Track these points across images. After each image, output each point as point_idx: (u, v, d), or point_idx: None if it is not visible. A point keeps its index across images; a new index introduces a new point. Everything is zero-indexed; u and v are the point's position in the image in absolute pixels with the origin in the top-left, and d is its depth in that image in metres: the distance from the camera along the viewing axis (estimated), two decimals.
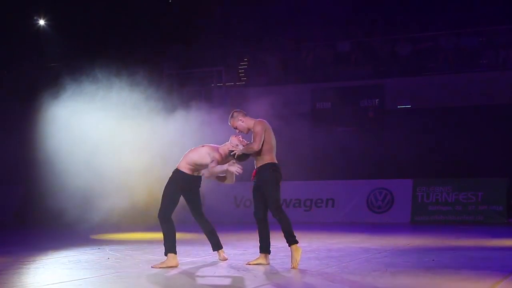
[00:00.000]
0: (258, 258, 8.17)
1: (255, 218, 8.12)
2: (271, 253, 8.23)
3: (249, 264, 8.08)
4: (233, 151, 8.01)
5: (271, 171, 7.92)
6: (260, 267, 7.97)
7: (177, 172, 8.24)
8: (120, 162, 11.85)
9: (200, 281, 7.29)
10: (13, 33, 17.53)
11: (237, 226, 14.06)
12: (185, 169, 8.19)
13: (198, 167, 8.19)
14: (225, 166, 7.91)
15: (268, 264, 8.09)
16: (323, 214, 15.99)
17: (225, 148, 8.14)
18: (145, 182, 11.82)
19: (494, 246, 10.00)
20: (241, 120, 8.09)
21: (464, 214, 15.08)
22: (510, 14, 17.39)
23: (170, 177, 8.29)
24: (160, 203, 8.25)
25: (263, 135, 7.89)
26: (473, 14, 17.83)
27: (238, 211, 16.55)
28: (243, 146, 8.00)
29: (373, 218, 15.50)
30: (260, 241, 8.13)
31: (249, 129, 8.06)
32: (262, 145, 7.89)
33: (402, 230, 13.69)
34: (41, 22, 17.98)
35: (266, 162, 7.95)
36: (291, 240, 7.86)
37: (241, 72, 19.56)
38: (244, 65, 19.67)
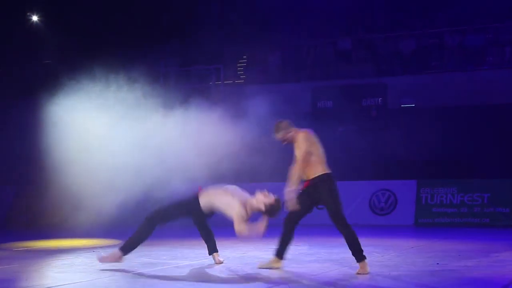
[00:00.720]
0: (271, 261, 7.80)
1: (286, 222, 7.66)
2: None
3: (262, 268, 7.74)
4: (266, 204, 7.58)
5: (330, 183, 7.55)
6: (260, 270, 7.71)
7: (194, 201, 7.83)
8: (115, 161, 11.66)
9: (195, 284, 7.04)
10: (5, 29, 17.40)
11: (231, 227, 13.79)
12: (203, 203, 7.80)
13: (216, 212, 7.86)
14: (255, 230, 7.51)
15: (279, 268, 7.72)
16: (324, 216, 15.65)
17: (252, 204, 7.62)
18: (138, 182, 11.62)
19: (501, 249, 9.81)
20: (290, 131, 7.73)
21: (469, 216, 14.87)
22: None
23: (185, 197, 7.93)
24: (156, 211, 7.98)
25: (305, 150, 7.52)
26: (478, 10, 17.64)
27: None
28: (269, 202, 7.53)
29: (375, 220, 15.31)
30: (280, 246, 7.71)
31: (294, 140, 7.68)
32: (309, 157, 7.53)
33: (405, 232, 13.58)
34: (34, 18, 17.81)
35: (322, 173, 7.57)
36: (358, 257, 7.47)
37: (240, 70, 19.42)
38: (243, 62, 19.54)
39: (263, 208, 7.53)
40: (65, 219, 13.61)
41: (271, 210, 7.54)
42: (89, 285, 7.09)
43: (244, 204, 7.60)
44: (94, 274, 7.71)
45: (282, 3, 18.85)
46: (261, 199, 7.57)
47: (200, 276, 7.57)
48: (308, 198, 7.63)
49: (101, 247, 10.91)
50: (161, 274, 7.65)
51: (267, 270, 7.70)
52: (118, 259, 8.03)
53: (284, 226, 7.69)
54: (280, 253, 7.75)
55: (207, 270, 7.92)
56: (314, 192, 7.58)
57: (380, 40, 18.47)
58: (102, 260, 8.09)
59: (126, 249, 8.01)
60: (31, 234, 14.11)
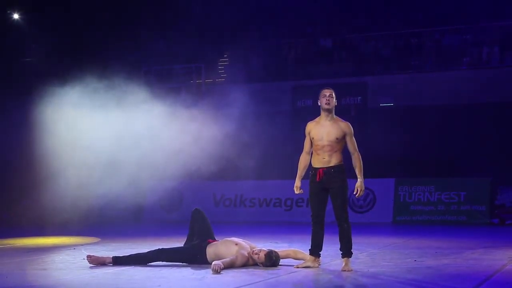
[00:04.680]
0: (307, 260, 7.78)
1: (315, 221, 7.70)
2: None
3: (298, 268, 7.70)
4: (271, 256, 7.70)
5: (346, 175, 7.59)
6: (242, 269, 7.74)
7: (201, 253, 7.94)
8: (94, 158, 11.67)
9: (178, 281, 7.07)
10: None
11: (216, 225, 13.84)
12: (210, 254, 7.89)
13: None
14: (236, 263, 7.69)
15: (318, 267, 7.73)
16: (304, 214, 15.80)
17: (255, 258, 7.75)
18: (115, 179, 11.64)
19: (477, 247, 9.91)
20: (336, 103, 7.63)
21: (446, 214, 15.02)
22: (493, 11, 17.35)
23: (194, 248, 8.01)
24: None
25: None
26: (457, 11, 17.79)
27: (217, 210, 16.38)
28: (260, 261, 7.68)
29: (354, 218, 15.27)
30: (313, 245, 7.72)
31: (332, 108, 7.58)
32: (336, 141, 7.52)
33: (384, 230, 13.64)
34: (15, 16, 17.67)
35: (341, 163, 7.59)
36: (347, 253, 7.58)
37: (221, 69, 19.41)
38: (224, 61, 19.52)
39: (261, 265, 7.74)
40: (46, 217, 13.60)
41: (266, 265, 7.70)
42: (70, 282, 7.09)
43: (248, 256, 7.77)
44: (76, 272, 7.71)
45: (264, 3, 18.88)
46: (256, 259, 7.75)
47: (185, 273, 7.55)
48: (325, 194, 7.66)
49: (81, 245, 10.89)
50: (143, 272, 7.62)
51: (249, 269, 7.70)
52: (104, 263, 8.13)
53: (316, 226, 7.73)
54: (315, 252, 7.74)
55: (189, 268, 7.90)
56: (329, 184, 7.59)
57: (361, 40, 18.55)
58: (91, 260, 8.14)
59: (118, 261, 8.10)
60: (11, 231, 14.05)
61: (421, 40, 17.91)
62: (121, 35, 17.85)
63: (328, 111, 7.59)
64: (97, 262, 8.11)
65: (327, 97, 7.56)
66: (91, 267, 7.99)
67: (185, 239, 8.40)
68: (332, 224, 7.89)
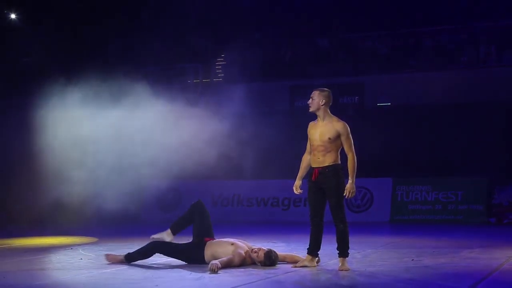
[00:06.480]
0: (304, 260, 7.81)
1: (312, 222, 7.73)
2: None
3: (295, 267, 7.72)
4: (270, 255, 7.73)
5: (341, 175, 7.57)
6: (240, 268, 7.75)
7: (198, 252, 7.97)
8: (92, 158, 11.69)
9: (177, 280, 7.09)
10: None
11: (215, 225, 13.83)
12: (208, 254, 7.91)
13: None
14: (233, 262, 7.71)
15: (315, 266, 7.75)
16: (301, 213, 15.82)
17: (253, 257, 7.78)
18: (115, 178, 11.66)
19: (474, 246, 9.94)
20: (327, 109, 7.62)
21: (444, 213, 15.05)
22: (491, 11, 17.37)
23: (191, 247, 8.05)
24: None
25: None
26: (454, 11, 17.81)
27: (216, 210, 16.37)
28: (259, 260, 7.71)
29: (352, 217, 15.30)
30: (311, 244, 7.74)
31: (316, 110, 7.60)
32: (329, 141, 7.52)
33: (381, 229, 13.66)
34: (12, 16, 17.69)
35: (336, 163, 7.58)
36: (344, 253, 7.60)
37: (218, 69, 19.42)
38: (221, 61, 19.53)
39: (259, 264, 7.76)
40: (44, 217, 13.60)
41: (265, 264, 7.72)
42: (68, 283, 7.10)
43: (246, 255, 7.79)
44: (73, 272, 7.73)
45: (261, 2, 18.90)
46: (254, 258, 7.76)
47: (183, 273, 7.57)
48: (321, 195, 7.67)
49: (79, 245, 10.90)
50: (140, 272, 7.64)
51: (254, 268, 7.70)
52: (121, 261, 8.22)
53: (313, 227, 7.76)
54: (312, 251, 7.75)
55: (187, 268, 7.92)
56: (323, 184, 7.60)
57: (358, 39, 18.56)
58: (109, 259, 8.25)
59: (129, 258, 8.20)
60: (8, 231, 14.05)
61: (418, 39, 17.93)
62: (120, 35, 17.87)
63: (314, 113, 7.65)
64: (115, 261, 8.17)
65: (309, 100, 7.64)
66: (88, 268, 8.00)
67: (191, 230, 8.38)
68: (330, 223, 7.90)
